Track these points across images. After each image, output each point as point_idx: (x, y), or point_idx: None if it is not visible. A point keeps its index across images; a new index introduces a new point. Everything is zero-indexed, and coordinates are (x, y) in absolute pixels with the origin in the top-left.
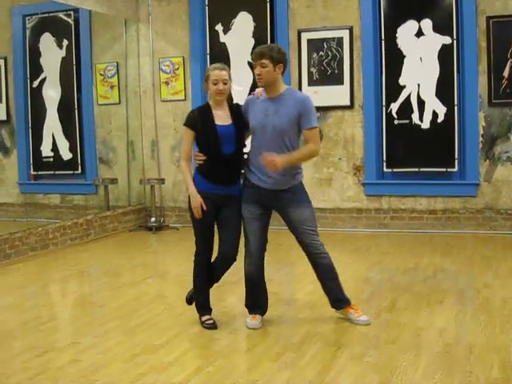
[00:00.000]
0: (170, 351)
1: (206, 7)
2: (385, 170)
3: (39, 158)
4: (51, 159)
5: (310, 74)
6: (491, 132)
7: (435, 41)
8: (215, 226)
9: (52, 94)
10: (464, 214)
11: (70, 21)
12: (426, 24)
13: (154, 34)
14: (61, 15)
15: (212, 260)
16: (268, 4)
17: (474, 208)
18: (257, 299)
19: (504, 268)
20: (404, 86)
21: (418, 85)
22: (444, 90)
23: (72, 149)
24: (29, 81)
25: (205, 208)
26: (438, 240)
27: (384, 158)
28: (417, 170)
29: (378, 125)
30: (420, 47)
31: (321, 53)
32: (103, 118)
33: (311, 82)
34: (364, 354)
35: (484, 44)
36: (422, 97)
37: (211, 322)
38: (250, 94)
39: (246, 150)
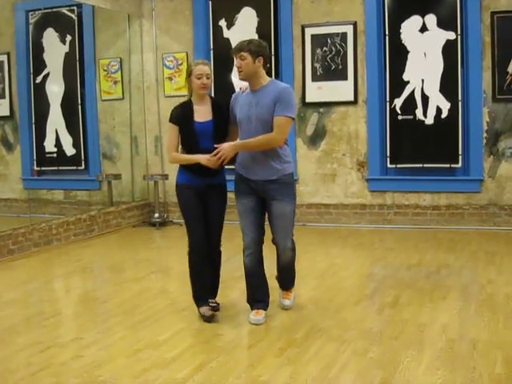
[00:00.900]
0: (173, 347)
1: (210, 2)
2: (389, 165)
3: (42, 154)
4: (55, 155)
5: (313, 69)
6: (495, 128)
7: (439, 36)
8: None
9: (55, 90)
10: (468, 210)
11: (74, 16)
12: (430, 19)
13: (158, 30)
14: (64, 10)
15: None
16: None
17: (478, 204)
18: (258, 294)
19: (508, 264)
20: (408, 82)
21: (422, 80)
22: (448, 86)
23: (75, 144)
24: (32, 76)
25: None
26: (442, 236)
27: (388, 154)
28: (421, 165)
29: (381, 120)
30: (424, 43)
31: (324, 48)
32: (107, 113)
33: (315, 78)
34: (367, 349)
35: (488, 39)
36: (426, 92)
37: (208, 314)
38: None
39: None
